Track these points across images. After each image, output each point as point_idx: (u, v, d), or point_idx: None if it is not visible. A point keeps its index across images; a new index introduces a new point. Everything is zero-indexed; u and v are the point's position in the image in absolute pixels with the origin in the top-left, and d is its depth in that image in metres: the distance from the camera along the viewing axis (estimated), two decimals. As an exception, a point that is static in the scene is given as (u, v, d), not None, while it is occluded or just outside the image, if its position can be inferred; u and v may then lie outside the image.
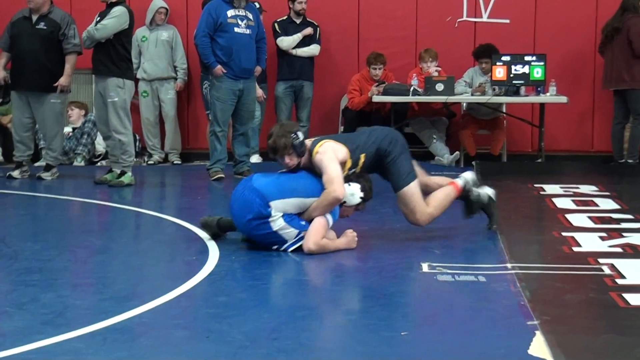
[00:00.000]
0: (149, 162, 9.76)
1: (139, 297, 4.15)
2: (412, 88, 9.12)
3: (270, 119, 9.33)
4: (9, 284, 4.48)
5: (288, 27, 9.59)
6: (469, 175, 5.64)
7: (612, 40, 9.02)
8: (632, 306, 3.96)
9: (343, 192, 5.04)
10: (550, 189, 7.43)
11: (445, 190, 5.55)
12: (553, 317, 3.76)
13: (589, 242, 5.29)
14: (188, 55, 9.88)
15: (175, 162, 9.86)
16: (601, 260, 4.79)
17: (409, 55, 9.95)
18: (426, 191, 5.50)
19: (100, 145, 9.53)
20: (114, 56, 7.80)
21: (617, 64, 8.97)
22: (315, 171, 5.17)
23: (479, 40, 9.73)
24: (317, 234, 5.01)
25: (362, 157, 5.29)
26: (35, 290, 4.27)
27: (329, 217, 5.09)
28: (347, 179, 5.16)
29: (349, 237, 5.18)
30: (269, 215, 4.98)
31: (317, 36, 9.65)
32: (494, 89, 9.26)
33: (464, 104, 9.72)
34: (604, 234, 5.49)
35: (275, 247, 5.08)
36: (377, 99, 9.20)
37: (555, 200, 6.85)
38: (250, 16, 8.19)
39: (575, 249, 5.16)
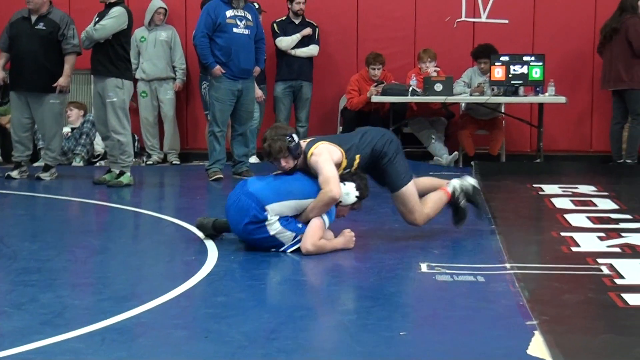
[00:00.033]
0: (148, 163, 9.76)
1: (137, 297, 4.15)
2: (410, 88, 9.12)
3: (270, 120, 9.33)
4: (8, 284, 4.48)
5: (287, 28, 9.59)
6: (457, 183, 5.64)
7: (610, 41, 9.03)
8: (631, 306, 3.96)
9: (339, 191, 5.04)
10: (549, 189, 7.43)
11: (438, 193, 5.60)
12: (552, 317, 3.76)
13: (588, 242, 5.29)
14: (187, 55, 9.88)
15: (174, 162, 9.86)
16: (600, 260, 4.79)
17: (408, 55, 9.95)
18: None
19: (99, 145, 9.53)
20: (112, 56, 7.80)
21: (615, 64, 8.97)
22: (310, 172, 5.17)
23: (478, 41, 9.73)
24: (314, 235, 5.01)
25: (357, 158, 5.29)
26: (34, 290, 4.27)
27: (326, 217, 5.09)
28: (342, 178, 5.16)
29: (347, 236, 5.19)
30: (265, 219, 4.98)
31: (316, 36, 9.65)
32: (492, 89, 9.27)
33: (463, 104, 9.72)
34: (602, 234, 5.50)
35: (273, 249, 5.08)
36: (376, 99, 9.20)
37: (554, 200, 6.85)
38: (249, 16, 8.19)
39: (574, 249, 5.17)
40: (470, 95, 9.32)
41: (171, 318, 3.85)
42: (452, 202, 5.61)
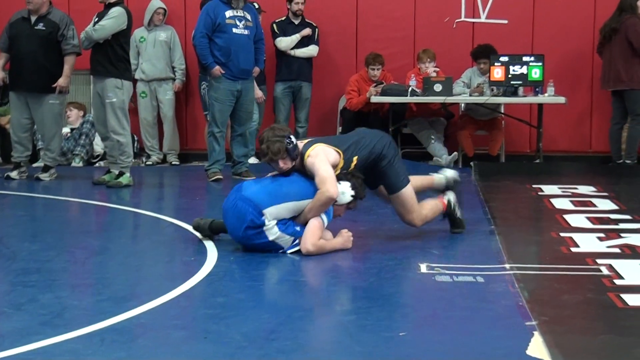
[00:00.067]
0: (147, 163, 9.76)
1: (137, 298, 4.15)
2: (410, 89, 9.12)
3: (269, 121, 9.33)
4: (7, 285, 4.48)
5: (286, 28, 9.59)
6: (451, 196, 5.68)
7: (610, 41, 9.02)
8: (630, 307, 3.96)
9: (336, 191, 5.03)
10: (548, 189, 7.43)
11: (435, 201, 5.66)
12: (551, 318, 3.77)
13: (587, 243, 5.30)
14: (186, 55, 9.88)
15: (173, 162, 9.86)
16: (599, 261, 4.79)
17: (408, 55, 9.95)
18: None
19: (98, 146, 9.52)
20: (112, 57, 7.80)
21: (615, 65, 8.97)
22: (307, 173, 5.17)
23: (477, 41, 9.73)
24: (314, 235, 5.01)
25: (355, 160, 5.29)
26: (34, 291, 4.27)
27: (324, 217, 5.08)
28: (337, 178, 5.15)
29: (345, 237, 5.19)
30: (263, 224, 4.97)
31: (316, 37, 9.65)
32: (492, 90, 9.27)
33: (462, 105, 9.72)
34: (602, 235, 5.50)
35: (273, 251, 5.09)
36: (375, 99, 9.20)
37: (553, 200, 6.85)
38: (249, 17, 8.19)
39: (574, 249, 5.17)
40: (470, 95, 9.32)
41: (170, 318, 3.85)
42: (448, 213, 5.64)
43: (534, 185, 7.60)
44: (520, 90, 9.18)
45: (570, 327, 3.73)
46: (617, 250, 5.11)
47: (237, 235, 5.09)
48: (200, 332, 3.69)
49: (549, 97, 9.10)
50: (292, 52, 9.55)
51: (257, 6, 8.98)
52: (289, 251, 5.06)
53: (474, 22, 9.96)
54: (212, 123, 8.28)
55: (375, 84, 9.35)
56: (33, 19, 8.10)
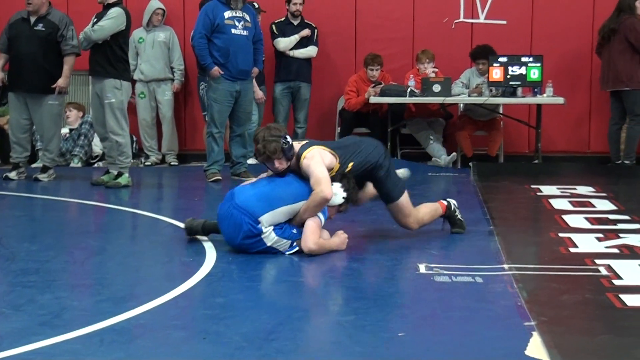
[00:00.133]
0: (146, 164, 9.76)
1: (136, 298, 4.15)
2: (409, 89, 9.13)
3: (268, 121, 9.28)
4: (6, 285, 4.48)
5: (285, 29, 9.59)
6: (451, 200, 5.71)
7: (609, 42, 9.03)
8: (629, 307, 3.97)
9: (330, 192, 5.03)
10: (547, 190, 7.44)
11: (434, 204, 5.68)
12: (550, 318, 3.77)
13: (586, 243, 5.30)
14: (185, 56, 9.89)
15: (172, 163, 9.86)
16: (598, 261, 4.79)
17: (406, 56, 9.96)
18: None
19: (97, 146, 9.52)
20: (111, 57, 7.80)
21: (614, 65, 8.98)
22: (301, 174, 5.17)
23: (476, 42, 9.74)
24: (314, 233, 5.01)
25: (350, 166, 5.29)
26: (33, 291, 4.27)
27: (321, 216, 5.08)
28: (331, 179, 5.15)
29: (341, 238, 5.18)
30: (261, 232, 4.97)
31: (315, 38, 9.65)
32: (491, 90, 9.27)
33: (461, 105, 9.73)
34: (600, 235, 5.50)
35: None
36: (374, 100, 9.20)
37: (552, 201, 6.86)
38: (247, 17, 8.19)
39: (572, 249, 5.17)
40: (469, 96, 9.33)
41: (169, 319, 3.85)
42: (448, 216, 5.66)
43: (532, 186, 7.61)
44: (519, 90, 9.19)
45: (569, 327, 3.73)
46: (615, 250, 5.11)
47: (234, 244, 5.08)
48: (199, 333, 3.69)
49: (547, 97, 9.10)
50: (291, 53, 9.55)
51: (256, 6, 8.99)
52: (287, 253, 5.06)
53: (472, 23, 9.97)
54: (210, 124, 8.28)
55: (373, 85, 9.35)
56: (32, 19, 8.10)
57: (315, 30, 9.67)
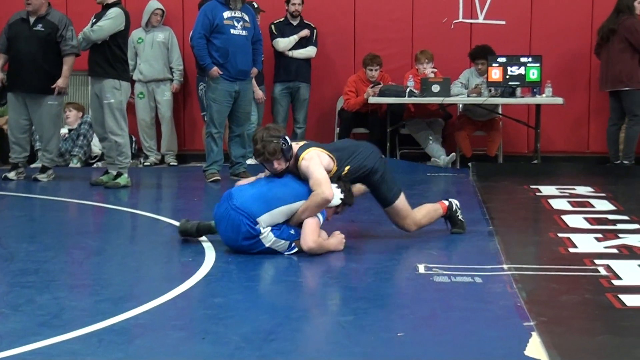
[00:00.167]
0: (145, 164, 9.76)
1: (135, 299, 4.15)
2: (408, 89, 9.13)
3: (267, 121, 9.31)
4: (5, 286, 4.47)
5: (285, 29, 9.59)
6: (453, 200, 5.71)
7: (608, 42, 9.03)
8: (628, 307, 3.97)
9: (332, 193, 5.03)
10: (546, 190, 7.44)
11: (435, 205, 5.68)
12: (549, 318, 3.77)
13: (585, 243, 5.30)
14: (184, 56, 9.88)
15: (171, 163, 9.86)
16: (597, 262, 4.80)
17: (405, 56, 9.96)
18: None
19: (96, 146, 9.52)
20: (110, 58, 7.79)
21: (613, 65, 8.98)
22: (299, 175, 5.16)
23: (475, 42, 9.74)
24: (314, 232, 5.00)
25: (346, 170, 5.29)
26: (32, 291, 4.27)
27: (319, 215, 5.08)
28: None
29: (338, 238, 5.17)
30: (259, 233, 4.97)
31: (314, 38, 9.65)
32: (490, 90, 9.28)
33: (460, 105, 9.73)
34: (599, 235, 5.50)
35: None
36: (373, 100, 9.20)
37: (551, 201, 6.86)
38: (247, 18, 8.19)
39: (571, 250, 5.17)
40: (468, 96, 9.33)
41: (169, 319, 3.85)
42: (449, 216, 5.66)
43: (531, 186, 7.61)
44: (518, 91, 9.19)
45: (569, 327, 3.73)
46: (614, 250, 5.11)
47: (234, 246, 5.08)
48: (198, 333, 3.68)
49: (546, 97, 9.11)
50: (290, 53, 9.55)
51: (255, 6, 8.98)
52: (286, 253, 5.05)
53: (471, 23, 9.97)
54: (210, 124, 8.27)
55: (373, 85, 9.36)
56: (32, 20, 8.10)
57: (315, 31, 9.67)
